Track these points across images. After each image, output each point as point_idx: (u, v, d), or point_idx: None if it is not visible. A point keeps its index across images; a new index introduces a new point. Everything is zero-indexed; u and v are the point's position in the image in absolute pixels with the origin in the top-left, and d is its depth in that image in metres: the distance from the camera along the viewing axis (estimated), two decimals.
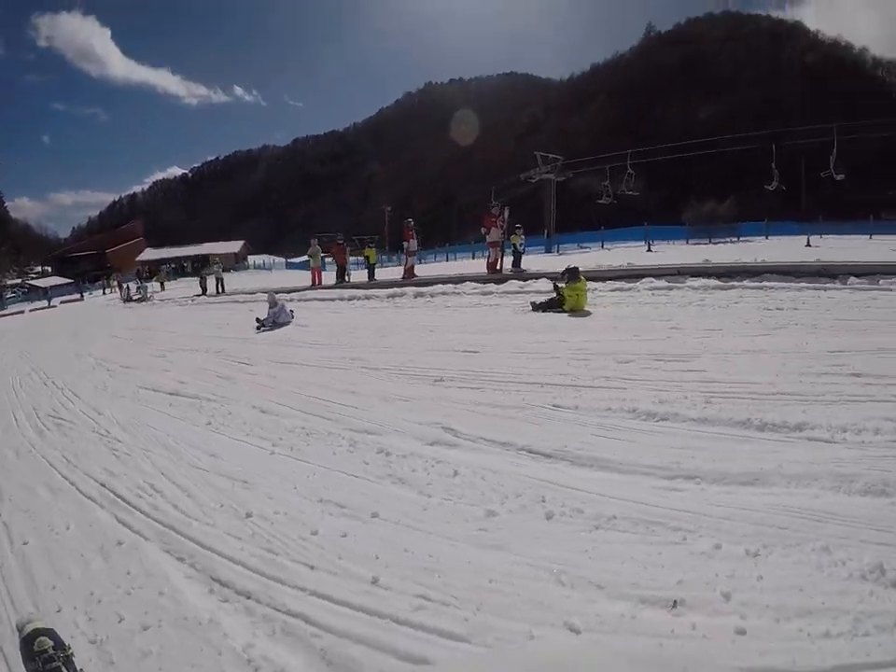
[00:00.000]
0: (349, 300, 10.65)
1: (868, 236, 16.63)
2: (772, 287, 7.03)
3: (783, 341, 4.62)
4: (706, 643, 1.51)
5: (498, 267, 11.03)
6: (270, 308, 8.41)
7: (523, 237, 11.55)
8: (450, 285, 10.26)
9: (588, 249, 20.00)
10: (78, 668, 1.35)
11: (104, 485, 2.90)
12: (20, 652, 1.38)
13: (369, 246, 13.27)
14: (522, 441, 2.98)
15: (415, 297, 9.95)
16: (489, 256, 11.16)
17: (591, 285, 7.65)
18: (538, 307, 7.45)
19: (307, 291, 12.11)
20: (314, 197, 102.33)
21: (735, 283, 7.56)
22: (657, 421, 3.19)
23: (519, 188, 27.81)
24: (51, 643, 1.30)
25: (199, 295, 14.87)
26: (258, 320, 8.23)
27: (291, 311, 8.59)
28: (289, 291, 12.08)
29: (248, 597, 1.83)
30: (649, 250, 16.48)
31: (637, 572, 1.86)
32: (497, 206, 11.24)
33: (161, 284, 20.70)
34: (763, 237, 19.09)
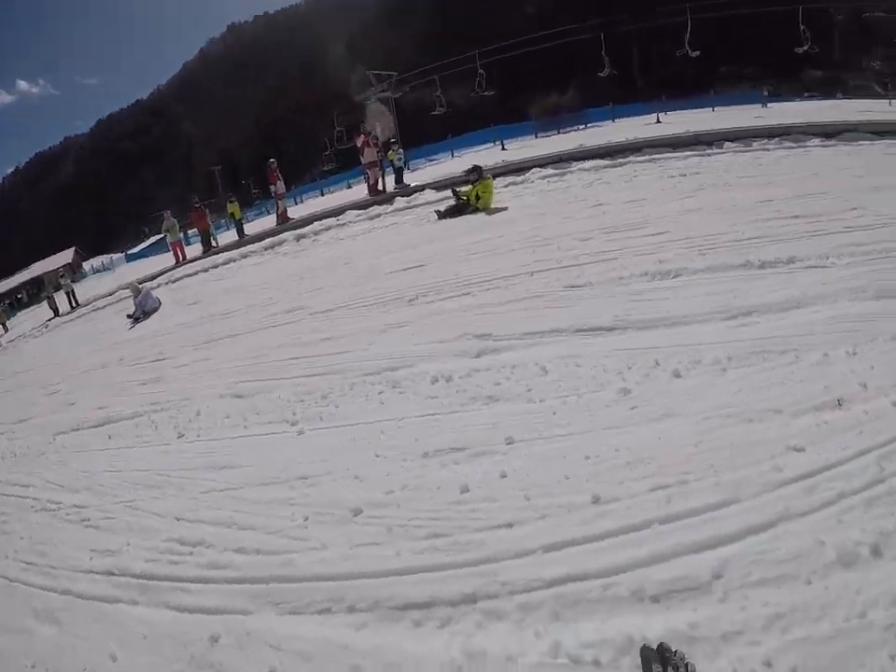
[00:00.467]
0: (225, 264, 9.12)
1: (711, 109, 18.72)
2: (660, 158, 7.63)
3: (710, 200, 5.03)
4: (881, 420, 1.68)
5: (381, 188, 10.35)
6: (134, 298, 7.41)
7: (400, 152, 11.04)
8: (331, 218, 9.31)
9: (439, 160, 19.53)
10: None
11: (111, 573, 1.92)
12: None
13: (230, 202, 11.38)
14: (570, 324, 2.85)
15: (298, 240, 8.80)
16: (368, 178, 10.50)
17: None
18: (445, 214, 7.16)
19: (174, 271, 10.03)
20: (133, 177, 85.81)
21: (623, 159, 8.05)
22: (672, 278, 3.29)
23: (357, 113, 26.18)
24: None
25: (52, 318, 11.76)
26: (129, 316, 7.16)
27: (158, 298, 7.48)
28: (154, 277, 9.92)
29: (474, 602, 1.33)
30: (503, 149, 16.62)
31: (788, 392, 1.93)
32: (365, 126, 10.81)
33: (3, 325, 16.00)
34: (611, 120, 19.91)
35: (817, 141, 7.23)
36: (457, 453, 1.96)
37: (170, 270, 10.14)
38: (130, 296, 7.81)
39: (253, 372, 3.47)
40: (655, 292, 3.09)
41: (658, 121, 15.22)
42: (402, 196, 9.30)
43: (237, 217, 11.05)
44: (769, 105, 19.95)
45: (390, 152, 10.74)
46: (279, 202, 10.80)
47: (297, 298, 5.07)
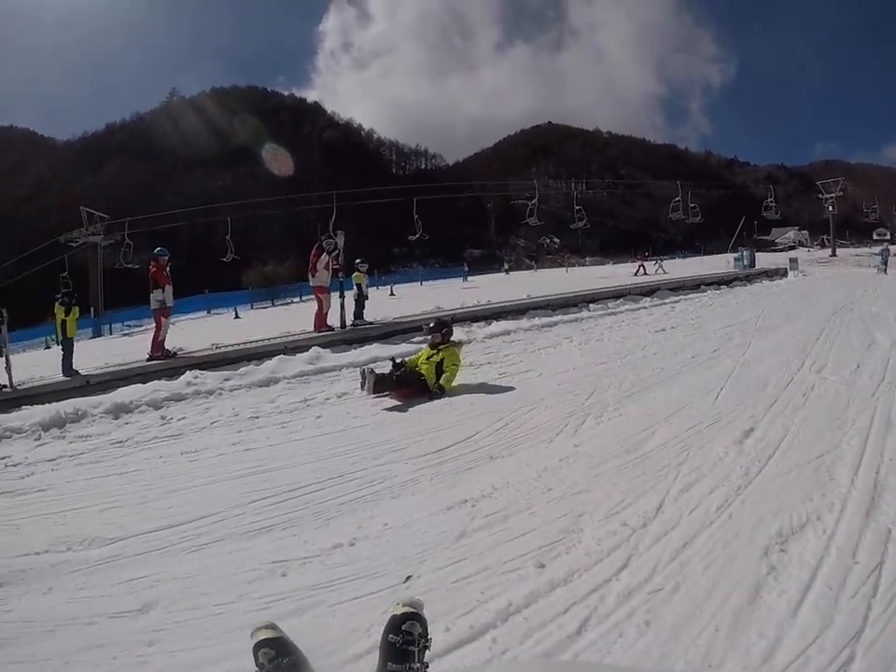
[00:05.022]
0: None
1: (419, 283, 25.00)
2: (590, 318, 9.72)
3: (699, 335, 7.30)
4: None
5: (332, 322, 7.97)
6: None
7: (366, 277, 8.95)
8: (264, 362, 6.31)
9: (143, 326, 16.29)
10: (426, 660, 1.25)
11: None
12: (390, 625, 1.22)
13: (60, 303, 6.13)
14: None
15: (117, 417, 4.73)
16: (321, 306, 7.93)
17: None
18: (379, 388, 4.57)
19: None
20: None
21: (562, 317, 9.95)
22: None
23: (57, 254, 20.71)
24: (420, 629, 1.24)
25: None
26: None
27: None
28: None
29: None
30: (237, 317, 16.56)
31: None
32: (328, 242, 8.09)
33: None
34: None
35: (647, 300, 11.63)
36: None
37: None
38: None
39: None
40: None
41: (392, 294, 19.06)
42: (359, 341, 7.42)
43: (68, 334, 6.06)
44: (469, 278, 26.65)
45: (356, 273, 8.70)
46: (162, 319, 6.55)
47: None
